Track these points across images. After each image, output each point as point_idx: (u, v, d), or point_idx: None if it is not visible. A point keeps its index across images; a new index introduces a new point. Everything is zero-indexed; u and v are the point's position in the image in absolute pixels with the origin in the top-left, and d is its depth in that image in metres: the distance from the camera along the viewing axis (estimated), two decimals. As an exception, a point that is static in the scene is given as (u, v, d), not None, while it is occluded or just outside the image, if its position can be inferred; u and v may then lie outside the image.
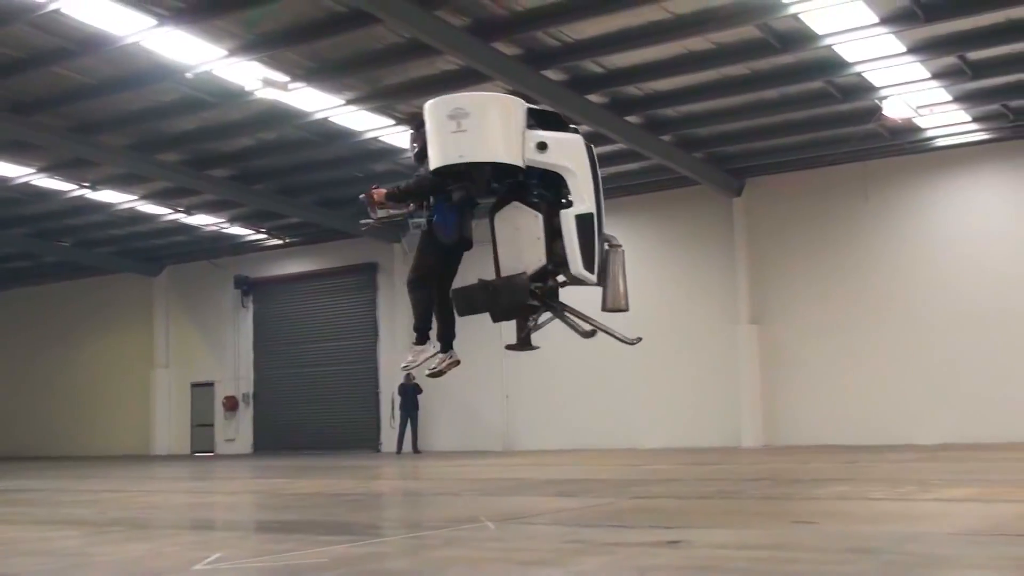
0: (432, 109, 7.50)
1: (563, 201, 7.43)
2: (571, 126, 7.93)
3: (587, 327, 7.82)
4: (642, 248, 24.47)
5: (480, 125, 7.25)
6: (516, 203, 7.56)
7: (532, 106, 7.65)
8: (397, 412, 26.63)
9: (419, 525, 8.48)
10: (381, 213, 8.15)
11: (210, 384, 31.33)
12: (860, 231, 21.86)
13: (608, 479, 13.01)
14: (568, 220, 7.33)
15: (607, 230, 7.76)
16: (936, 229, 21.22)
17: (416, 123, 8.07)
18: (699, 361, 23.28)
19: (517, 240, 7.53)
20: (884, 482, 10.72)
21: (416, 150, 8.06)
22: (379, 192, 7.96)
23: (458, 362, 8.15)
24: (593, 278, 7.52)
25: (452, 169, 7.36)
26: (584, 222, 7.33)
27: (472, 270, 7.98)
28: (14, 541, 7.64)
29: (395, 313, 27.65)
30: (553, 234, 7.44)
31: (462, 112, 7.25)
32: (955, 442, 19.38)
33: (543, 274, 7.54)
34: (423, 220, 7.79)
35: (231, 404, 30.73)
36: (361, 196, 8.23)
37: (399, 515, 10.06)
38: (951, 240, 21.01)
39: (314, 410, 29.13)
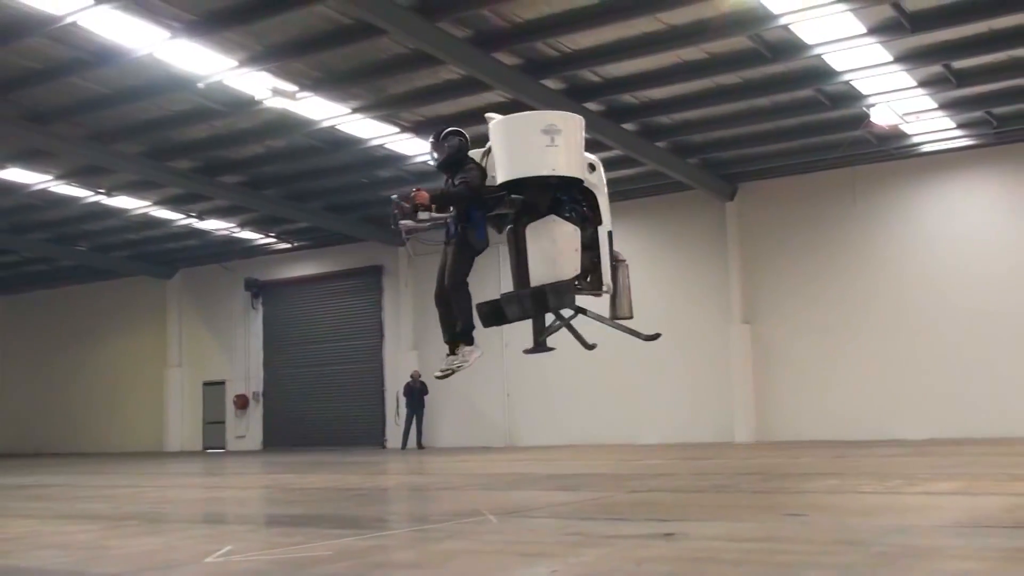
0: (520, 122, 7.82)
1: (587, 217, 7.91)
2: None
3: (590, 342, 8.23)
4: (638, 251, 24.44)
5: (569, 143, 7.63)
6: (554, 217, 7.88)
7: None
8: (403, 410, 26.64)
9: (423, 519, 8.48)
10: (420, 218, 7.99)
11: (221, 383, 31.35)
12: (849, 234, 21.87)
13: (606, 474, 13.00)
14: (603, 236, 7.88)
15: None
16: (922, 232, 21.22)
17: (438, 132, 8.17)
18: (693, 360, 23.28)
19: (553, 251, 7.86)
20: (872, 476, 10.71)
21: (439, 159, 8.13)
22: (422, 195, 7.84)
23: (480, 352, 8.37)
24: (611, 289, 8.07)
25: (525, 181, 7.66)
26: (609, 238, 7.88)
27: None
28: (33, 535, 7.64)
29: (400, 314, 27.68)
30: (581, 247, 7.91)
31: (555, 129, 7.58)
32: (941, 437, 19.38)
33: (573, 283, 7.95)
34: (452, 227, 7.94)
35: (242, 402, 30.75)
36: (393, 197, 8.10)
37: (404, 509, 10.05)
38: (936, 242, 21.02)
39: (321, 408, 29.14)
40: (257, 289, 30.61)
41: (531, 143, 7.59)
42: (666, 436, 22.77)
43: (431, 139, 8.20)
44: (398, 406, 27.18)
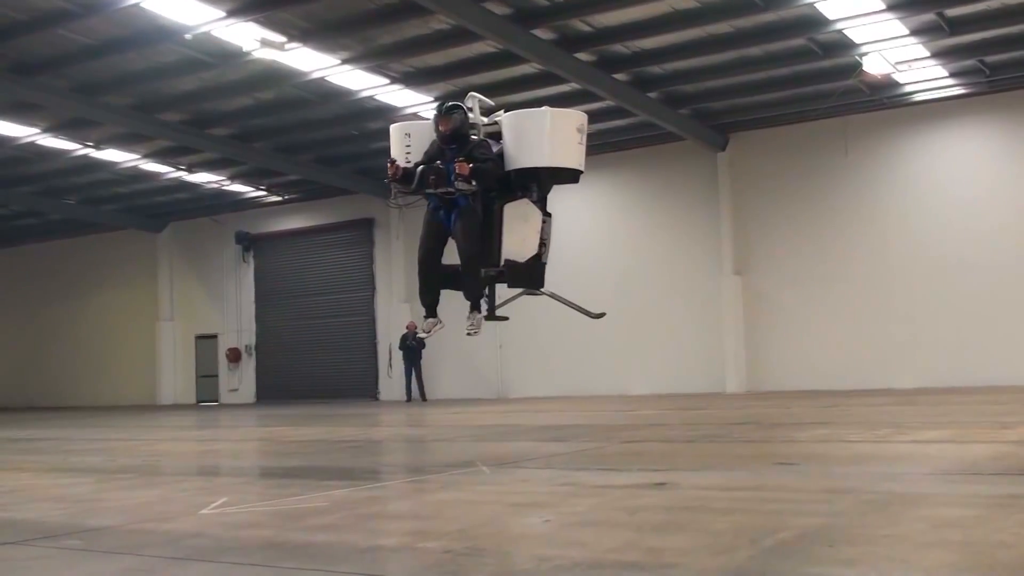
0: (561, 117, 8.43)
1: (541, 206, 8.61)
2: None
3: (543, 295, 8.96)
4: (629, 202, 24.52)
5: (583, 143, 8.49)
6: (527, 201, 8.46)
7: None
8: (396, 363, 26.71)
9: (417, 470, 8.54)
10: (460, 184, 7.98)
11: (213, 336, 31.39)
12: (840, 184, 21.86)
13: (597, 424, 13.08)
14: (550, 222, 8.69)
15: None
16: (914, 182, 21.21)
17: (441, 105, 8.26)
18: (684, 311, 23.36)
19: (524, 230, 8.50)
20: (862, 425, 10.80)
21: (446, 132, 8.13)
22: (464, 167, 7.88)
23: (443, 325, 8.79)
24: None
25: (541, 171, 8.32)
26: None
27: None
28: (28, 488, 7.68)
29: (391, 266, 27.68)
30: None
31: (584, 128, 8.52)
32: (930, 386, 19.53)
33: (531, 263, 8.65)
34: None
35: (234, 355, 30.83)
36: (437, 164, 8.13)
37: (398, 460, 10.12)
38: (928, 192, 21.02)
39: (314, 360, 29.22)
40: (248, 242, 30.55)
41: (570, 139, 8.33)
42: (657, 387, 22.90)
43: (436, 112, 8.22)
44: (390, 359, 27.25)
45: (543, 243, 8.63)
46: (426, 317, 8.60)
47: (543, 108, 8.50)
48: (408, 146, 8.41)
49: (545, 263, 8.77)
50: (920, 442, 8.66)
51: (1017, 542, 3.99)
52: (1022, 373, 18.93)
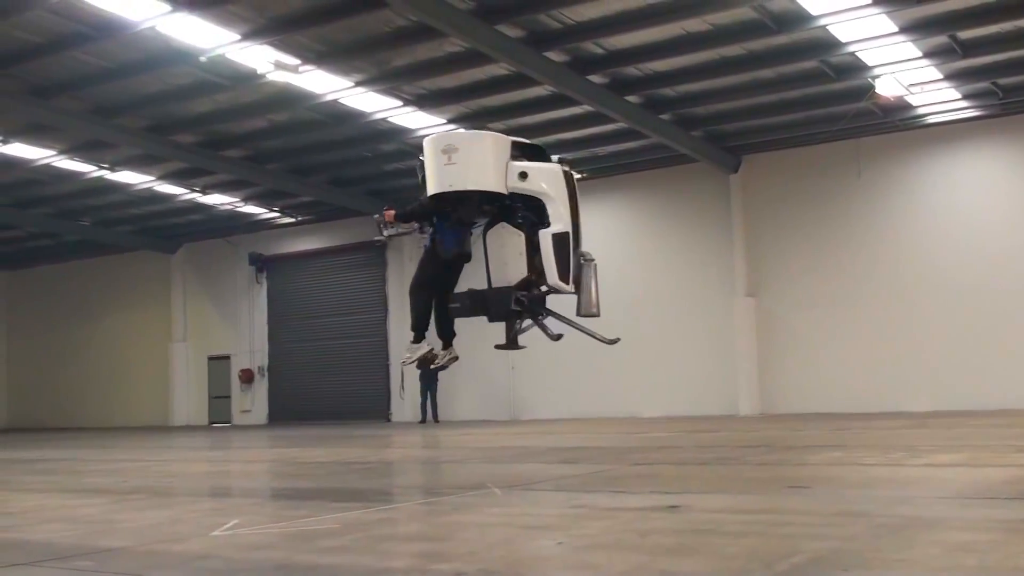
0: (428, 144, 8.31)
1: (545, 222, 8.24)
2: (553, 157, 8.76)
3: (555, 332, 8.55)
4: (641, 224, 24.52)
5: (467, 159, 8.11)
6: (503, 223, 8.35)
7: (520, 140, 8.52)
8: (408, 384, 26.68)
9: (429, 491, 8.52)
10: (391, 231, 9.06)
11: (226, 357, 31.44)
12: (853, 206, 21.81)
13: (609, 446, 13.04)
14: (546, 238, 8.14)
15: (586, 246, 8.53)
16: (927, 204, 21.16)
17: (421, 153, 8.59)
18: (697, 333, 23.31)
19: (503, 255, 8.36)
20: (875, 448, 10.74)
21: (420, 178, 8.61)
22: (389, 213, 8.93)
23: (456, 358, 8.93)
24: (569, 288, 8.29)
25: (447, 195, 8.23)
26: (560, 240, 8.13)
27: (472, 279, 8.70)
28: (40, 509, 7.69)
29: (404, 288, 27.63)
30: (534, 250, 8.26)
31: (452, 148, 8.12)
32: (944, 409, 19.42)
33: (527, 284, 8.33)
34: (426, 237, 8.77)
35: (247, 376, 30.85)
36: (375, 216, 9.18)
37: (409, 482, 10.10)
38: (941, 214, 20.97)
39: (327, 382, 29.22)
40: (261, 263, 30.64)
41: (436, 162, 8.16)
42: (669, 409, 22.83)
43: (419, 158, 8.63)
44: (403, 380, 27.24)
45: (539, 271, 8.26)
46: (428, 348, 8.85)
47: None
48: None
49: (545, 291, 8.45)
50: (934, 465, 8.60)
51: (1032, 567, 3.96)
52: (1037, 396, 18.82)
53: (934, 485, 7.16)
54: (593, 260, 8.50)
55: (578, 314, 8.49)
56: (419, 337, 8.80)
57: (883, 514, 5.54)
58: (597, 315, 8.43)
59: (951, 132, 20.89)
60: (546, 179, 8.17)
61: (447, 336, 8.89)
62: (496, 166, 8.10)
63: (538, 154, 8.53)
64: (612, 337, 8.92)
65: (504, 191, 8.10)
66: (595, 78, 18.32)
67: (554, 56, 17.23)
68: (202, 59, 16.76)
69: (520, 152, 8.36)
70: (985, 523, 5.18)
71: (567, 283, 8.20)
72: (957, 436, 12.42)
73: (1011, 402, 18.88)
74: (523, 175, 8.09)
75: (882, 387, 20.80)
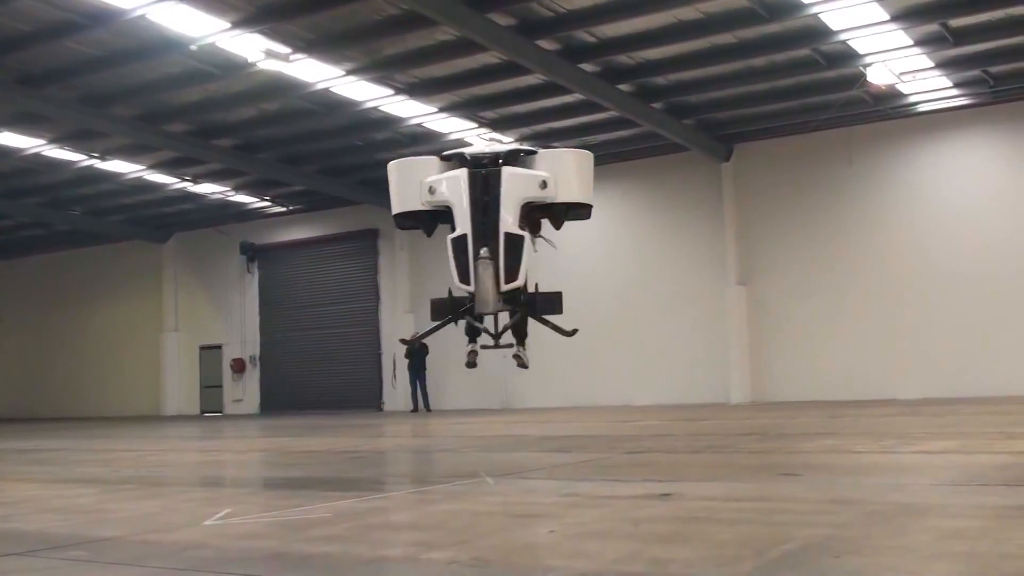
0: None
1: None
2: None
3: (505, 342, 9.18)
4: (633, 212, 24.52)
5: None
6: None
7: (455, 152, 8.43)
8: (400, 373, 26.69)
9: (421, 480, 8.53)
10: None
11: (218, 347, 31.43)
12: (844, 195, 21.86)
13: (602, 435, 13.05)
14: (447, 243, 8.31)
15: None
16: (918, 192, 21.21)
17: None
18: (689, 321, 23.35)
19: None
20: (867, 436, 10.77)
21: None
22: None
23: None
24: (469, 288, 8.40)
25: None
26: (456, 243, 8.27)
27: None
28: (33, 499, 7.67)
29: (395, 277, 27.71)
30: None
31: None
32: (936, 397, 19.49)
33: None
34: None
35: (238, 366, 30.84)
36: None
37: (402, 471, 10.10)
38: (933, 202, 21.01)
39: (318, 371, 29.23)
40: (253, 253, 30.61)
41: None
42: (662, 398, 22.87)
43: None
44: (395, 370, 27.24)
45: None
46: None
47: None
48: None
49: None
50: (926, 452, 8.63)
51: (1023, 553, 3.97)
52: (1028, 383, 18.89)
53: (926, 472, 7.18)
54: (487, 258, 8.48)
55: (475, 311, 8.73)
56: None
57: (875, 501, 5.56)
58: (491, 311, 8.62)
59: (942, 120, 20.92)
60: (450, 189, 8.27)
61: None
62: (412, 186, 8.33)
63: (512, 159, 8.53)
64: (570, 328, 9.10)
65: (417, 207, 8.30)
66: (587, 66, 18.30)
67: (546, 44, 17.20)
68: (192, 48, 16.70)
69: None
70: (976, 510, 5.19)
71: (468, 284, 8.30)
72: (949, 423, 12.46)
73: (1003, 389, 18.96)
74: (431, 190, 8.22)
75: (874, 374, 20.87)
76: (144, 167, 25.01)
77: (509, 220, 8.19)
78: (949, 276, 20.53)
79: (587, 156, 8.48)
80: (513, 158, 8.34)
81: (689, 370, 23.17)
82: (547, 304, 8.96)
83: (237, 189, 27.88)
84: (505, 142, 8.75)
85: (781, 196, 22.58)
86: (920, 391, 19.94)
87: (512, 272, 8.23)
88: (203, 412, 31.46)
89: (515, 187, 8.22)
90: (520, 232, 8.22)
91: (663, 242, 23.81)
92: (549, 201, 8.24)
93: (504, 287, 8.24)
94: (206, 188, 27.44)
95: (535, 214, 8.43)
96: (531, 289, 8.65)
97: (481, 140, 8.49)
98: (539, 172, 8.27)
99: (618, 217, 24.41)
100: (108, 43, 16.91)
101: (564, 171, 8.34)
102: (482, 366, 9.71)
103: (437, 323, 9.06)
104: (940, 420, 13.12)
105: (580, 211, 8.45)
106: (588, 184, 8.38)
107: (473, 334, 9.10)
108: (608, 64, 18.51)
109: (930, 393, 19.82)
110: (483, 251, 8.40)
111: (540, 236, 8.82)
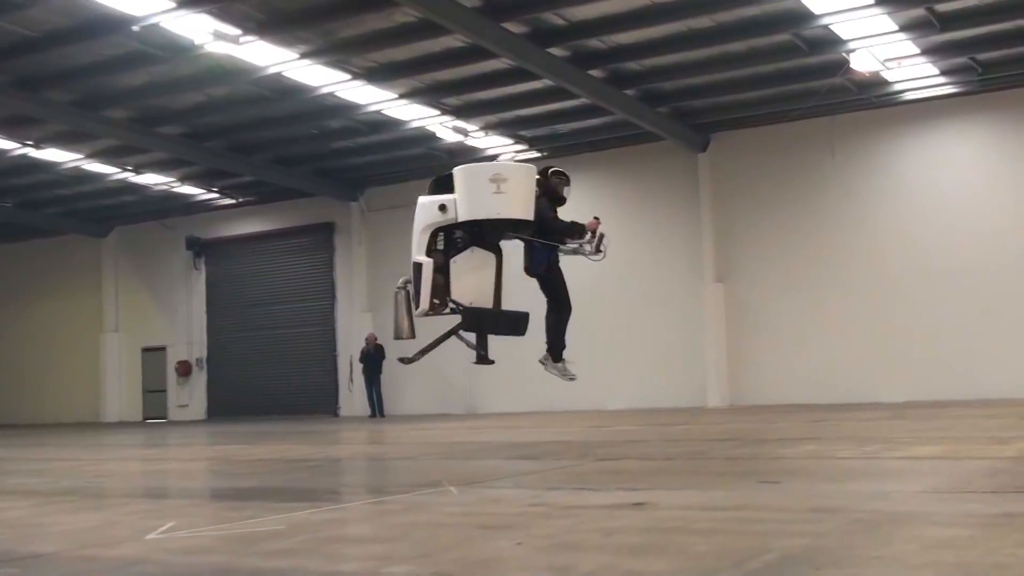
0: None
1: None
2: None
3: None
4: (605, 205, 24.43)
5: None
6: (477, 249, 9.91)
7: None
8: (357, 377, 26.61)
9: (380, 490, 8.50)
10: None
11: (162, 348, 31.19)
12: (827, 187, 22.01)
13: (572, 441, 13.10)
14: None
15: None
16: (903, 185, 21.39)
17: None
18: (664, 321, 23.43)
19: (474, 279, 10.02)
20: (850, 440, 10.86)
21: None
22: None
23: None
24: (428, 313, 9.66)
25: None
26: (415, 268, 9.47)
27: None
28: (-39, 512, 7.58)
29: (352, 274, 27.61)
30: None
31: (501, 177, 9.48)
32: (922, 400, 19.66)
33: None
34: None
35: (184, 369, 30.62)
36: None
37: (360, 480, 10.08)
38: (918, 195, 21.20)
39: (270, 374, 29.07)
40: (199, 248, 30.39)
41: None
42: (635, 401, 22.93)
43: (564, 177, 10.63)
44: (351, 372, 27.15)
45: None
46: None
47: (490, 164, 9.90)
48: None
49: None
50: (911, 458, 8.71)
51: (1013, 563, 4.02)
52: (1019, 385, 19.08)
53: (912, 479, 7.25)
54: (400, 288, 9.75)
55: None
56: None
57: (858, 509, 5.61)
58: (405, 338, 9.87)
59: (928, 109, 21.11)
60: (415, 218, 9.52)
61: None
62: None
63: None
64: (490, 358, 10.58)
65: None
66: (556, 51, 18.31)
67: (513, 27, 17.19)
68: (135, 28, 16.54)
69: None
70: (964, 518, 5.24)
71: (427, 307, 9.45)
72: (936, 427, 12.59)
73: (993, 391, 19.13)
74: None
75: (858, 376, 21.03)
76: (82, 156, 24.75)
77: (413, 248, 9.45)
78: (936, 272, 20.72)
79: (504, 169, 9.71)
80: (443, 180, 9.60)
81: (664, 372, 23.24)
82: (512, 324, 10.36)
83: (183, 180, 27.67)
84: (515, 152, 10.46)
85: (761, 188, 22.70)
86: (906, 393, 20.10)
87: (416, 298, 9.46)
88: (146, 418, 31.21)
89: (420, 214, 9.46)
90: (419, 259, 9.25)
91: (636, 237, 23.84)
92: (449, 223, 9.37)
93: (415, 313, 9.58)
94: (149, 179, 27.20)
95: (507, 231, 9.75)
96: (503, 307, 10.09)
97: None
98: (442, 196, 9.38)
99: (588, 210, 24.30)
100: (43, 23, 16.71)
101: (472, 190, 9.31)
102: (445, 369, 10.29)
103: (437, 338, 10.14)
104: (927, 424, 13.26)
105: (520, 226, 9.64)
106: (510, 198, 9.33)
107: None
108: (579, 48, 18.53)
109: (916, 396, 19.99)
110: (400, 281, 9.81)
111: (580, 253, 10.62)
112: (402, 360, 10.34)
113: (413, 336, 9.87)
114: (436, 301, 9.46)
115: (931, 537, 4.69)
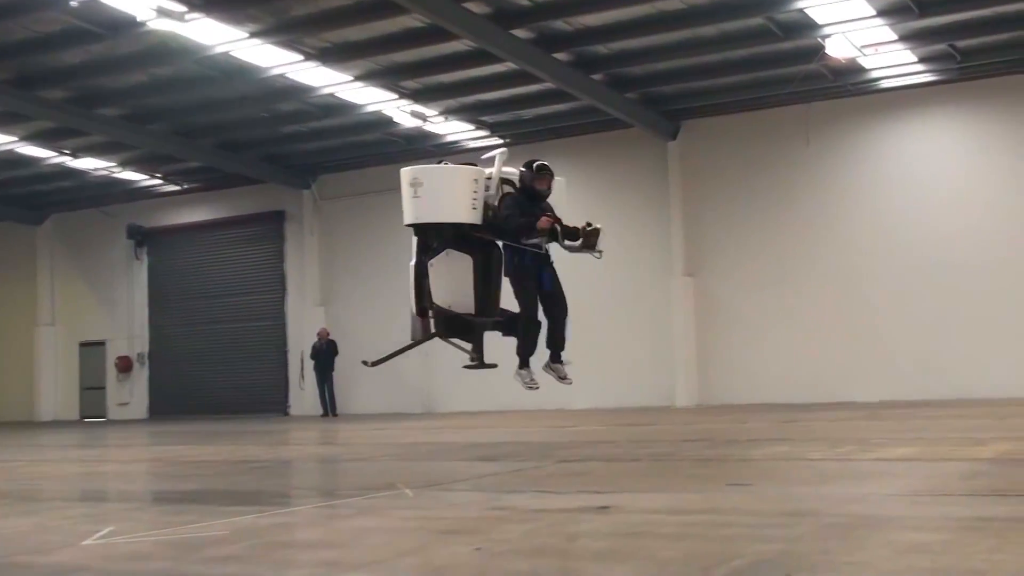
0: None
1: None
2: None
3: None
4: (571, 195, 24.51)
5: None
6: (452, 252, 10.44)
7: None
8: (309, 374, 26.52)
9: (332, 493, 8.50)
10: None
11: (101, 343, 30.92)
12: (801, 177, 22.13)
13: (533, 442, 13.12)
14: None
15: None
16: (879, 176, 21.55)
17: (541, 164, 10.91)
18: (631, 316, 23.49)
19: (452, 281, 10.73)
20: (823, 441, 10.95)
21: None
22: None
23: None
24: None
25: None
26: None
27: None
28: None
29: (304, 265, 27.46)
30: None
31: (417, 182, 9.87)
32: (898, 399, 19.83)
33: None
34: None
35: (124, 365, 30.37)
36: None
37: (309, 483, 10.05)
38: (894, 187, 21.37)
39: (216, 371, 28.89)
40: (141, 237, 30.14)
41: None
42: (600, 400, 22.96)
43: (533, 170, 11.14)
44: (302, 369, 27.04)
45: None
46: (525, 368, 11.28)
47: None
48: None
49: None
50: (886, 460, 8.80)
51: (989, 568, 4.07)
52: (998, 384, 19.30)
53: (886, 481, 7.32)
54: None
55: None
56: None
57: (831, 513, 5.65)
58: (420, 341, 10.95)
59: (906, 97, 21.28)
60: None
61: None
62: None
63: None
64: (487, 362, 11.55)
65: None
66: (520, 33, 18.30)
67: (475, 7, 17.16)
68: (73, 4, 16.37)
69: None
70: (939, 522, 5.30)
71: (415, 311, 10.32)
72: (911, 428, 12.73)
73: (971, 391, 19.32)
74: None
75: (831, 375, 21.18)
76: (16, 139, 24.46)
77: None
78: (914, 266, 20.89)
79: (434, 172, 10.10)
80: None
81: (631, 370, 23.31)
82: (497, 327, 11.52)
83: (124, 165, 27.41)
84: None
85: (732, 178, 22.79)
86: (881, 393, 20.26)
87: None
88: (83, 417, 30.92)
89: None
90: (411, 263, 10.07)
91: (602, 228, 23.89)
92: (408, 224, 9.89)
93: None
94: (88, 163, 26.93)
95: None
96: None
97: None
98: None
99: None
100: (-26, -4, 16.51)
101: (403, 194, 9.86)
102: (401, 367, 10.50)
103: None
104: (902, 424, 13.39)
105: (461, 228, 10.06)
106: (426, 202, 9.79)
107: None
108: (543, 30, 18.53)
109: (892, 395, 20.14)
110: None
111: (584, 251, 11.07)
112: (365, 363, 10.78)
113: (427, 337, 10.75)
114: (424, 305, 10.13)
115: (906, 541, 4.74)
